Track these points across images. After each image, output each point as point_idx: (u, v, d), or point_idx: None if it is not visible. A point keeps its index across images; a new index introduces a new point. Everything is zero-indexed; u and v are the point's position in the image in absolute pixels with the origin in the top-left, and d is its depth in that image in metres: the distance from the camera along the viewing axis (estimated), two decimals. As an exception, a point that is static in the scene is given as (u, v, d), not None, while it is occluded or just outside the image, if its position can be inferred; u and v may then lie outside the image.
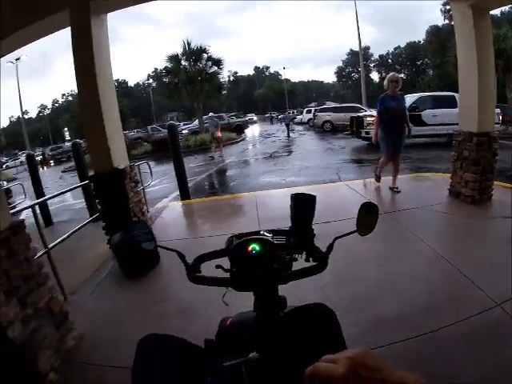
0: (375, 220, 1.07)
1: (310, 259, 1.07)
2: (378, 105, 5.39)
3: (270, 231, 1.11)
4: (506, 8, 37.46)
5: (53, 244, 3.24)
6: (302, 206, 1.09)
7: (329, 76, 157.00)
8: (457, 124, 11.25)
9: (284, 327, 0.99)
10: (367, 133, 11.77)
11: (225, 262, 1.03)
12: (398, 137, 5.40)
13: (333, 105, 28.19)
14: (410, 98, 12.18)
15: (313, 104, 40.27)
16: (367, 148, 11.52)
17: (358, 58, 38.41)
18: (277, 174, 9.12)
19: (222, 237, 1.17)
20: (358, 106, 22.94)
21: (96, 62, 3.76)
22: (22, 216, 3.46)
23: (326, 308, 1.08)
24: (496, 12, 35.79)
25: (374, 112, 12.94)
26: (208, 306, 2.60)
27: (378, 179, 5.78)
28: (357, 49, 35.13)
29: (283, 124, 24.13)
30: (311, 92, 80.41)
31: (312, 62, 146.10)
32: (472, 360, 2.04)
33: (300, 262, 1.07)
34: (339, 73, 71.76)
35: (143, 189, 5.31)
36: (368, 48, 64.19)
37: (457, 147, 5.03)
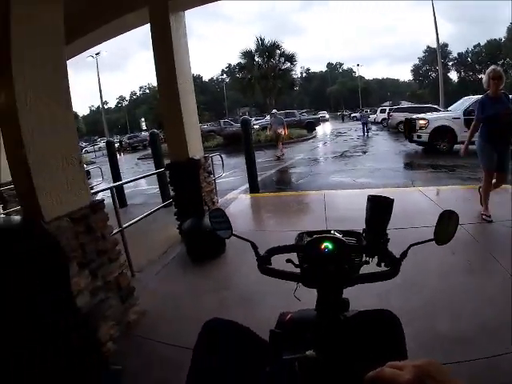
0: (454, 230, 1.02)
1: (382, 264, 1.04)
2: (478, 109, 4.36)
3: (340, 231, 1.09)
4: None
5: (127, 224, 3.51)
6: (379, 208, 1.07)
7: (405, 74, 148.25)
8: None
9: (345, 329, 0.97)
10: (419, 136, 11.22)
11: (291, 257, 1.04)
12: (504, 149, 4.18)
13: (408, 105, 26.57)
14: (467, 102, 11.15)
15: (387, 103, 38.42)
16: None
17: (435, 56, 35.69)
18: (347, 174, 8.83)
19: (288, 233, 1.19)
20: (435, 106, 21.17)
21: (175, 56, 3.99)
22: (99, 197, 3.79)
23: (392, 315, 1.05)
24: None
25: (428, 115, 12.21)
26: (268, 299, 2.63)
27: (486, 211, 4.25)
28: (434, 45, 32.69)
29: (357, 122, 23.32)
30: (386, 90, 76.57)
31: (387, 58, 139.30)
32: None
33: (366, 266, 1.05)
34: (415, 71, 67.73)
35: (214, 180, 5.50)
36: (446, 45, 59.49)
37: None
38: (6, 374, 1.55)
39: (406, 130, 12.15)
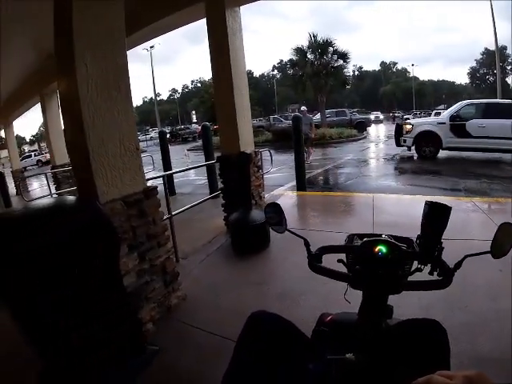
0: (511, 243, 0.96)
1: (435, 273, 1.01)
2: None
3: (391, 236, 1.08)
4: None
5: (176, 212, 3.65)
6: (436, 215, 1.02)
7: (461, 76, 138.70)
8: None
9: (386, 336, 0.97)
10: (404, 141, 11.18)
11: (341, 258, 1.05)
12: None
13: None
14: (454, 107, 11.25)
15: (442, 106, 36.43)
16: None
17: (493, 59, 33.09)
18: (397, 178, 8.53)
19: (333, 233, 1.17)
20: None
21: (230, 51, 4.05)
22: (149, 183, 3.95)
23: (440, 326, 1.02)
24: None
25: (413, 120, 12.46)
26: (307, 298, 2.63)
27: None
28: (492, 48, 30.20)
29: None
30: (441, 93, 72.36)
31: (443, 59, 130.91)
32: None
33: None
34: (472, 74, 63.12)
35: (263, 175, 5.53)
36: (505, 48, 54.91)
37: None
38: (53, 339, 1.66)
39: (396, 134, 11.87)
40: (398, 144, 11.63)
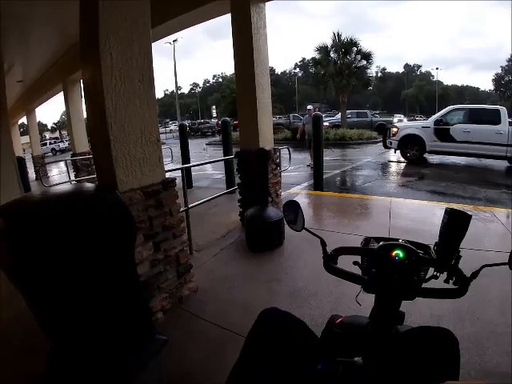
0: None
1: (451, 282, 1.00)
2: None
3: (408, 242, 1.06)
4: None
5: (192, 205, 3.67)
6: (455, 223, 1.00)
7: (485, 82, 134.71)
8: (495, 144, 9.96)
9: (396, 342, 0.96)
10: (390, 143, 11.51)
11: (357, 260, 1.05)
12: None
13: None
14: (441, 111, 11.59)
15: (464, 112, 35.45)
16: None
17: None
18: (413, 183, 8.36)
19: (348, 235, 1.16)
20: None
21: (254, 47, 4.05)
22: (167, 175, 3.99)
23: (452, 335, 1.00)
24: None
25: (400, 123, 12.95)
26: (318, 298, 2.62)
27: None
28: None
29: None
30: (464, 98, 70.48)
31: (468, 64, 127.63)
32: None
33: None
34: (497, 80, 61.29)
35: (280, 172, 5.52)
36: None
37: None
38: (66, 323, 1.69)
39: (383, 136, 12.21)
40: (386, 146, 11.89)
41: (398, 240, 1.04)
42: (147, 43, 2.35)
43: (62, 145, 32.85)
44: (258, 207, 3.78)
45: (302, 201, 5.71)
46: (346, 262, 1.10)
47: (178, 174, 3.65)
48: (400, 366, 0.88)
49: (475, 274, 0.96)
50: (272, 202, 4.44)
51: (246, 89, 4.21)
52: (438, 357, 0.93)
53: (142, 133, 2.31)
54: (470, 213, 0.97)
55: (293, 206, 1.22)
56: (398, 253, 0.96)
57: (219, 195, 4.50)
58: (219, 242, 3.91)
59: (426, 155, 11.58)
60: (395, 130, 11.58)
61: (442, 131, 10.85)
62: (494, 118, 10.32)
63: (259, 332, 0.98)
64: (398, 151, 11.48)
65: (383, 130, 12.62)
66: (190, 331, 2.31)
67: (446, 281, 1.01)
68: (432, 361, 0.91)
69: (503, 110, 10.49)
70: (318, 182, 6.51)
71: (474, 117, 10.77)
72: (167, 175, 2.64)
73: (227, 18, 4.29)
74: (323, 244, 1.09)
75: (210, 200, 4.20)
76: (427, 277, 1.01)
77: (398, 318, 1.01)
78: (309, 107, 10.71)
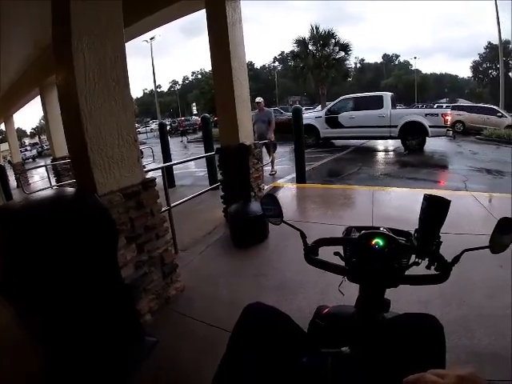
0: (511, 239, 0.97)
1: (432, 267, 1.01)
2: None
3: (389, 230, 1.08)
4: None
5: (175, 203, 3.64)
6: (435, 209, 1.01)
7: (464, 70, 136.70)
8: (379, 127, 11.57)
9: (383, 330, 0.97)
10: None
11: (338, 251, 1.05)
12: None
13: (466, 103, 24.54)
14: (333, 102, 13.09)
15: (444, 100, 36.09)
16: None
17: (496, 53, 32.79)
18: (393, 170, 8.55)
19: (332, 226, 1.17)
20: (495, 108, 19.43)
21: (230, 42, 4.02)
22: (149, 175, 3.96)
23: (437, 322, 1.01)
24: None
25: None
26: (305, 290, 2.64)
27: None
28: (496, 42, 29.91)
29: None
30: (443, 86, 71.51)
31: (446, 52, 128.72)
32: None
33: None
34: (475, 68, 62.16)
35: (262, 166, 5.52)
36: (508, 42, 54.40)
37: None
38: (52, 329, 1.67)
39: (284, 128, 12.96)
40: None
41: (379, 228, 1.05)
42: (121, 42, 2.31)
43: (35, 151, 32.01)
44: (240, 203, 3.79)
45: (286, 194, 5.75)
46: (330, 254, 1.10)
47: (160, 173, 3.62)
48: (387, 354, 0.89)
49: (456, 259, 0.97)
50: (255, 196, 4.45)
51: (224, 84, 4.19)
52: (423, 343, 0.94)
53: (119, 134, 2.27)
54: (449, 198, 0.99)
55: (271, 200, 1.22)
56: (378, 241, 0.96)
57: (202, 192, 4.48)
58: (204, 239, 3.90)
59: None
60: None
61: (332, 119, 12.31)
62: (377, 104, 11.66)
63: (243, 327, 0.98)
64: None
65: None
66: (179, 331, 2.31)
67: (428, 267, 1.01)
68: (417, 347, 0.92)
69: (386, 96, 11.86)
70: (300, 174, 6.53)
71: (360, 104, 12.17)
72: (150, 175, 2.62)
73: (204, 13, 4.24)
74: (303, 236, 1.09)
75: (193, 198, 4.18)
76: (410, 263, 1.02)
77: (383, 305, 1.02)
78: (257, 100, 8.18)
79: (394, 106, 12.32)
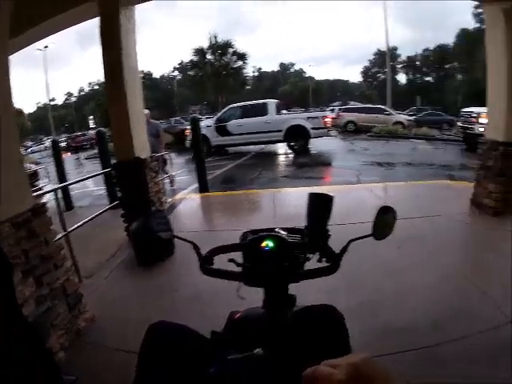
0: (392, 225, 1.07)
1: (323, 260, 1.06)
2: None
3: (285, 229, 1.11)
4: None
5: (72, 228, 3.34)
6: (319, 205, 1.08)
7: (355, 75, 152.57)
8: (266, 132, 12.44)
9: (292, 326, 0.98)
10: (187, 143, 12.92)
11: (237, 257, 1.04)
12: None
13: (357, 105, 27.61)
14: (221, 111, 13.80)
15: (336, 103, 39.48)
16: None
17: (384, 59, 37.65)
18: (292, 172, 9.11)
19: (238, 232, 1.18)
20: (383, 107, 22.46)
21: (123, 52, 3.86)
22: (45, 199, 3.60)
23: (336, 311, 1.07)
24: None
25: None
26: (219, 299, 2.63)
27: None
28: (384, 49, 34.43)
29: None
30: (336, 91, 78.60)
31: (338, 60, 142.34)
32: (475, 377, 1.99)
33: (313, 262, 1.08)
34: (365, 73, 70.05)
35: (162, 179, 5.39)
36: (395, 48, 62.24)
37: (481, 155, 4.88)
38: None
39: (182, 138, 14.05)
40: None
41: (274, 229, 1.08)
42: (3, 57, 2.08)
43: None
44: (141, 220, 3.60)
45: (190, 204, 5.74)
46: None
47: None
48: (292, 349, 0.90)
49: (344, 250, 1.02)
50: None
51: (116, 96, 3.98)
52: (324, 333, 0.98)
53: (1, 156, 2.03)
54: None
55: (159, 215, 1.21)
56: (268, 243, 0.97)
57: (101, 213, 4.12)
58: (108, 263, 3.67)
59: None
60: (188, 131, 12.62)
61: (222, 128, 12.79)
62: (263, 111, 12.51)
63: (148, 348, 0.95)
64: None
65: (182, 133, 14.13)
66: (96, 363, 2.15)
67: (319, 260, 1.06)
68: (320, 338, 0.95)
69: (270, 103, 12.84)
70: (202, 183, 6.51)
71: (247, 112, 12.86)
72: (46, 198, 2.39)
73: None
74: (196, 248, 1.08)
75: (92, 219, 3.85)
76: (302, 260, 1.05)
77: (289, 301, 1.03)
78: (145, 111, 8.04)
79: (279, 112, 13.15)
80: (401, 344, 2.22)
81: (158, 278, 3.25)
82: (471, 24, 44.97)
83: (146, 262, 3.52)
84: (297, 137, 12.25)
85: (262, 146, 13.72)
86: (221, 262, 1.10)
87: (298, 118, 12.65)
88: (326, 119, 12.32)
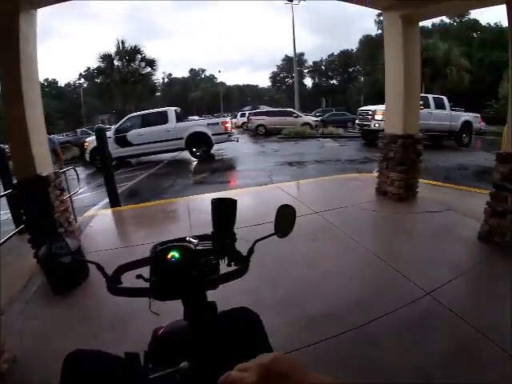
0: (293, 222, 1.10)
1: (232, 263, 1.06)
2: None
3: (196, 237, 1.11)
4: (436, 20, 41.72)
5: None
6: (223, 210, 1.09)
7: (264, 80, 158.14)
8: (167, 140, 12.43)
9: (212, 334, 0.98)
10: (86, 156, 12.79)
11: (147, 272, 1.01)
12: None
13: (267, 109, 28.75)
14: (120, 122, 13.33)
15: (247, 108, 40.52)
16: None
17: (292, 64, 39.79)
18: (208, 178, 9.14)
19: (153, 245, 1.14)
20: (291, 110, 23.90)
21: (22, 60, 3.52)
22: None
23: (250, 311, 1.08)
24: (428, 24, 39.61)
25: (90, 138, 13.65)
26: (141, 317, 2.50)
27: None
28: (292, 55, 36.40)
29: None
30: (246, 96, 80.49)
31: (248, 66, 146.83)
32: (404, 348, 2.21)
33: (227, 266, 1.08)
34: (274, 78, 73.60)
35: (70, 197, 5.00)
36: (302, 54, 66.54)
37: (382, 149, 5.42)
38: None
39: (82, 151, 13.99)
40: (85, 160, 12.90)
41: (184, 238, 1.08)
42: None
43: None
44: (49, 243, 3.27)
45: (102, 221, 5.40)
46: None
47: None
48: (217, 356, 0.87)
49: (250, 250, 1.04)
50: (66, 232, 3.98)
51: (14, 107, 3.59)
52: (242, 335, 0.99)
53: None
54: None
55: (56, 238, 1.14)
56: (174, 254, 0.94)
57: (6, 240, 3.65)
58: (21, 295, 3.30)
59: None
60: (87, 143, 12.64)
61: (121, 138, 12.43)
62: (163, 119, 12.52)
63: (67, 379, 0.90)
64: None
65: (82, 145, 13.74)
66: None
67: (228, 264, 1.06)
68: (242, 342, 0.96)
69: (170, 111, 12.87)
70: (113, 197, 6.16)
71: (147, 120, 12.75)
72: None
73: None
74: (100, 268, 1.03)
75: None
76: (211, 267, 1.03)
77: (209, 309, 1.02)
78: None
79: (181, 119, 13.12)
80: (329, 330, 2.38)
81: (76, 304, 3.03)
82: (374, 30, 50.06)
83: (61, 289, 3.23)
84: (198, 143, 12.35)
85: (174, 153, 13.46)
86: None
87: (198, 124, 12.79)
88: (226, 124, 12.63)
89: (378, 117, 12.97)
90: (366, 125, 14.09)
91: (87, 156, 12.46)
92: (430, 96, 13.53)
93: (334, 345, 2.25)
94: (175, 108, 13.32)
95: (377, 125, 13.02)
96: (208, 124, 12.63)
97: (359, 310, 2.60)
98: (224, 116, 17.89)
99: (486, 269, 3.22)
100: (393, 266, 3.22)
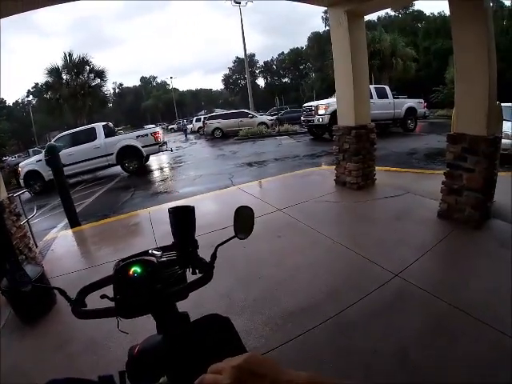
0: (252, 222, 1.11)
1: (197, 271, 1.05)
2: None
3: (159, 248, 1.09)
4: (382, 13, 43.42)
5: None
6: (181, 218, 1.07)
7: (217, 84, 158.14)
8: (98, 157, 12.09)
9: (185, 345, 0.96)
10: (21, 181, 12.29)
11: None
12: None
13: (221, 112, 28.77)
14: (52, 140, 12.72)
15: (202, 112, 40.37)
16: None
17: (244, 65, 40.01)
18: (168, 186, 9.03)
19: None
20: (246, 111, 24.07)
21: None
22: None
23: (221, 317, 1.07)
24: (373, 17, 41.03)
25: (24, 162, 12.95)
26: (115, 337, 2.48)
27: None
28: (243, 56, 36.58)
29: (175, 133, 23.55)
30: (200, 100, 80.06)
31: (200, 69, 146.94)
32: (381, 332, 2.27)
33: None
34: (226, 80, 73.48)
35: (28, 221, 4.78)
36: (253, 55, 67.21)
37: (337, 141, 5.59)
38: None
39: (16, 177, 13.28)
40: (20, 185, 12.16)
41: (147, 251, 1.06)
42: None
43: None
44: (10, 273, 3.10)
45: (63, 243, 5.24)
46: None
47: None
48: (192, 366, 0.83)
49: (214, 256, 1.04)
50: (27, 258, 3.87)
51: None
52: (219, 342, 0.98)
53: None
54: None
55: (13, 267, 1.10)
56: (136, 269, 0.91)
57: None
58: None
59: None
60: (20, 168, 12.12)
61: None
62: (91, 136, 12.19)
63: None
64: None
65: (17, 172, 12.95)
66: None
67: (193, 272, 1.05)
68: (217, 348, 0.94)
69: (98, 127, 12.55)
70: (72, 217, 5.95)
71: (77, 139, 12.31)
72: None
73: None
74: (62, 293, 1.00)
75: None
76: (176, 277, 1.01)
77: (181, 320, 1.01)
78: None
79: (113, 134, 12.91)
80: (305, 323, 2.43)
81: (48, 332, 2.87)
82: (322, 27, 51.20)
83: (29, 318, 3.08)
84: (129, 157, 12.16)
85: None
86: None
87: (127, 138, 12.45)
88: (157, 135, 12.44)
89: (321, 111, 13.45)
90: (310, 120, 14.42)
91: (21, 181, 11.86)
92: (372, 86, 13.95)
93: (312, 337, 2.28)
94: (104, 123, 12.95)
95: (320, 119, 13.52)
96: (137, 136, 12.40)
97: (332, 300, 2.65)
98: (157, 126, 17.30)
99: (450, 244, 3.41)
100: (359, 252, 3.31)
